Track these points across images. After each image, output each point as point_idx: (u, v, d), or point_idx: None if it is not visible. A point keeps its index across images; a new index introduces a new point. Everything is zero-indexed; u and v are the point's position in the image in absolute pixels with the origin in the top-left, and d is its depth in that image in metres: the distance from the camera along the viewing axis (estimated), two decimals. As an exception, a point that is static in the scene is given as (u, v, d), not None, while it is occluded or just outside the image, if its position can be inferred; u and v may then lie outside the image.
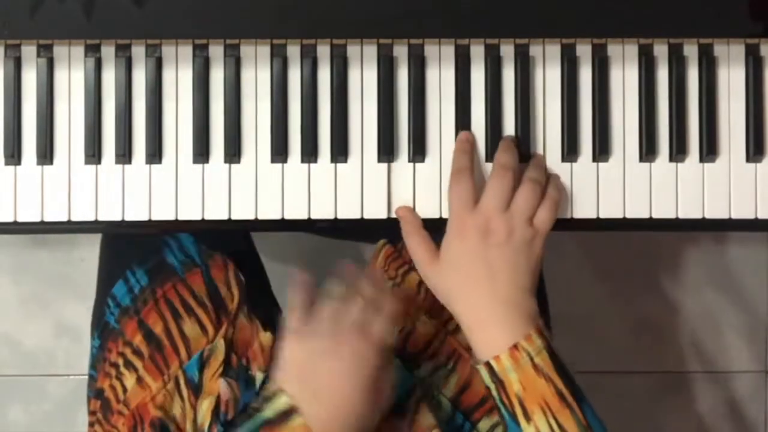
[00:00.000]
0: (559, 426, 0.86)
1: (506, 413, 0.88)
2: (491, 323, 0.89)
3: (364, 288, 0.91)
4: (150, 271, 1.06)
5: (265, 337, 1.04)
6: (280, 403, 0.85)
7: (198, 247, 1.08)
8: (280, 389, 0.86)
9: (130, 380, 1.03)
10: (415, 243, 0.95)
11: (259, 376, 0.97)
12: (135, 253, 1.07)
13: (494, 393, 0.89)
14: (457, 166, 0.95)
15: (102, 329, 1.07)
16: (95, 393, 1.06)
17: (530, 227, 0.92)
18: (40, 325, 1.71)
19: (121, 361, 1.04)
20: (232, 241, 1.11)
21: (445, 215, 0.98)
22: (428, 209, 0.98)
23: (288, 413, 0.85)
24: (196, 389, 1.01)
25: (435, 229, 0.96)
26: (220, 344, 1.02)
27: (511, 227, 0.91)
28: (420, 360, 1.04)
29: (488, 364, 0.89)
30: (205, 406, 0.99)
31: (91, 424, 1.07)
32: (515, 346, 0.88)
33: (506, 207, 0.92)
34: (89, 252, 1.68)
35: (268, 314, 1.09)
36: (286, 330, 0.90)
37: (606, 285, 1.73)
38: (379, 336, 0.88)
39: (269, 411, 0.85)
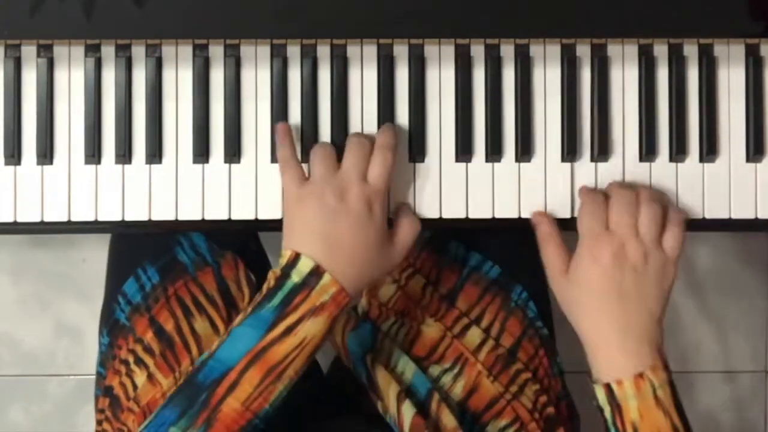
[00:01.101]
0: None
1: None
2: (618, 348, 0.89)
3: (354, 142, 0.91)
4: (161, 269, 1.06)
5: None
6: (303, 266, 0.86)
7: (209, 245, 1.08)
8: (297, 252, 0.87)
9: (140, 377, 1.03)
10: (550, 251, 0.94)
11: None
12: (146, 250, 1.07)
13: (607, 415, 0.89)
14: (590, 190, 0.94)
15: (111, 326, 1.07)
16: (104, 390, 1.06)
17: (662, 252, 0.91)
18: (40, 325, 1.71)
19: (131, 359, 1.04)
20: (242, 240, 1.11)
21: (445, 215, 0.98)
22: (428, 209, 0.98)
23: (314, 273, 0.86)
24: None
25: (429, 229, 0.96)
26: None
27: (645, 252, 0.90)
28: (426, 363, 1.04)
29: (608, 387, 0.89)
30: None
31: (99, 422, 1.07)
32: (641, 375, 0.88)
33: (636, 230, 0.91)
34: (89, 252, 1.68)
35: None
36: (286, 194, 0.91)
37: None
38: (379, 183, 0.89)
39: (296, 275, 0.86)
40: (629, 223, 0.90)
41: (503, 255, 1.08)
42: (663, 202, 0.93)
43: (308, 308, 0.86)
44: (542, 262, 0.95)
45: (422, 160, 0.98)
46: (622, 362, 0.89)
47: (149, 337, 1.04)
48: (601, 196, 0.93)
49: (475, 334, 1.04)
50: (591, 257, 0.90)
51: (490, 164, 0.98)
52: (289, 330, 0.85)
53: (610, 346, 0.90)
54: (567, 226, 0.97)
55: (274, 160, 0.97)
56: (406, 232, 0.92)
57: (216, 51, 0.98)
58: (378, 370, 0.99)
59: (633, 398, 0.88)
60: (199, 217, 0.97)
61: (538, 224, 0.96)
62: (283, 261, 0.88)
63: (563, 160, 0.99)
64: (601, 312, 0.90)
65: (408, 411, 0.95)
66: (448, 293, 1.06)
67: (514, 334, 1.05)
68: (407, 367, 1.01)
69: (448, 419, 0.97)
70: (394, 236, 0.91)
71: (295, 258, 0.87)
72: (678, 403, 0.89)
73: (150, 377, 1.03)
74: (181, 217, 0.97)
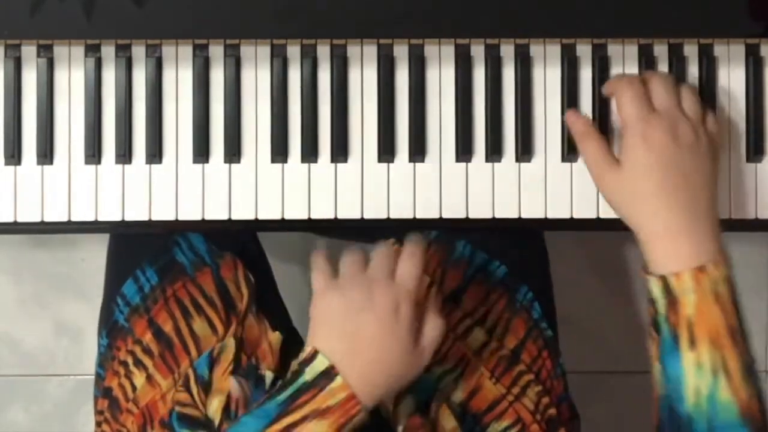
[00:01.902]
0: (724, 363, 0.82)
1: (668, 332, 0.84)
2: (683, 237, 0.84)
3: (382, 248, 0.87)
4: (160, 270, 1.06)
5: (274, 337, 1.04)
6: (318, 364, 0.82)
7: (208, 246, 1.08)
8: (316, 350, 0.82)
9: (139, 379, 1.03)
10: (592, 146, 0.90)
11: (268, 376, 0.97)
12: (145, 251, 1.07)
13: (661, 308, 0.84)
14: (623, 77, 0.91)
15: (110, 328, 1.07)
16: (103, 392, 1.06)
17: (708, 132, 0.89)
18: (40, 325, 1.71)
19: (130, 360, 1.04)
20: (241, 241, 1.11)
21: (444, 215, 0.98)
22: (428, 209, 0.98)
23: (327, 374, 0.82)
24: (206, 387, 1.01)
25: (429, 228, 0.96)
26: (230, 342, 1.02)
27: (695, 129, 0.87)
28: (428, 364, 1.03)
29: (664, 279, 0.84)
30: (216, 405, 0.99)
31: (98, 424, 1.07)
32: (702, 268, 0.83)
33: (682, 110, 0.88)
34: (89, 252, 1.68)
35: (276, 315, 1.09)
36: (315, 290, 0.87)
37: (606, 285, 1.72)
38: (408, 283, 0.84)
39: (309, 374, 0.82)
40: (675, 103, 0.88)
41: (509, 255, 1.08)
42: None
43: (313, 409, 0.81)
44: (584, 159, 0.91)
45: (422, 160, 0.98)
46: (685, 252, 0.84)
47: (148, 338, 1.04)
48: (637, 80, 0.90)
49: (478, 335, 1.04)
50: (644, 141, 0.86)
51: (490, 164, 0.98)
52: (290, 427, 0.81)
53: (675, 234, 0.84)
54: (567, 226, 0.97)
55: (274, 160, 0.97)
56: (432, 333, 0.85)
57: (216, 51, 0.98)
58: None
59: (691, 292, 0.82)
60: (199, 218, 0.97)
61: (573, 123, 0.92)
62: (302, 356, 0.84)
63: (563, 160, 0.99)
64: (665, 198, 0.85)
65: (405, 410, 0.94)
66: (453, 293, 1.06)
67: (518, 334, 1.05)
68: None
69: (448, 420, 0.97)
70: (420, 338, 0.85)
71: (313, 355, 0.83)
72: (737, 303, 0.84)
73: (149, 378, 1.03)
74: (181, 217, 0.97)
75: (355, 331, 0.82)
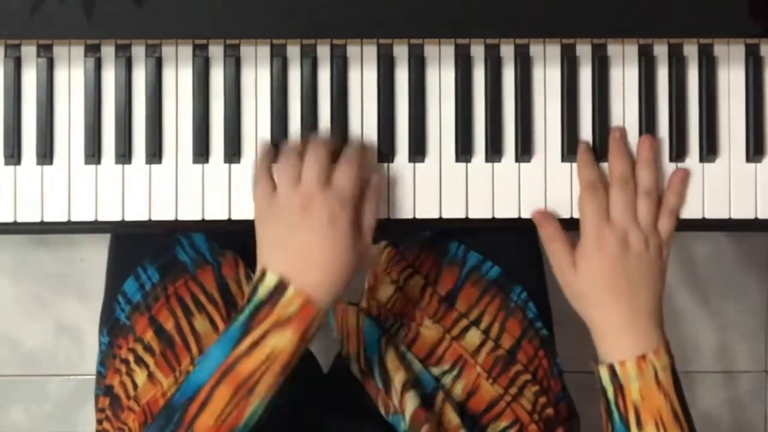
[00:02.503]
0: None
1: (618, 416, 0.91)
2: (625, 331, 0.93)
3: (313, 151, 0.92)
4: (161, 268, 1.06)
5: None
6: (269, 281, 0.87)
7: (209, 245, 1.08)
8: (264, 269, 0.88)
9: (140, 376, 1.03)
10: (557, 249, 0.96)
11: None
12: (146, 250, 1.07)
13: (610, 395, 0.92)
14: (588, 179, 0.96)
15: (111, 326, 1.07)
16: (104, 390, 1.06)
17: (659, 235, 0.95)
18: (40, 325, 1.71)
19: (131, 358, 1.04)
20: (243, 239, 1.11)
21: (445, 215, 0.98)
22: (428, 209, 0.98)
23: (279, 287, 0.87)
24: None
25: (429, 228, 0.96)
26: None
27: (646, 239, 0.94)
28: (425, 365, 1.04)
29: (611, 367, 0.92)
30: None
31: (99, 422, 1.07)
32: (643, 357, 0.91)
33: (637, 217, 0.95)
34: (89, 252, 1.68)
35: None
36: (255, 210, 0.93)
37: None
38: (340, 188, 0.90)
39: (262, 291, 0.87)
40: (630, 216, 0.94)
41: (503, 255, 1.08)
42: (658, 188, 0.96)
43: (273, 322, 0.86)
44: (548, 258, 0.97)
45: (422, 160, 0.98)
46: (628, 344, 0.92)
47: (149, 336, 1.04)
48: (600, 189, 0.95)
49: (474, 336, 1.04)
50: (598, 249, 0.94)
51: (490, 164, 0.98)
52: (255, 344, 0.86)
53: (619, 329, 0.93)
54: (566, 226, 0.97)
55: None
56: (368, 221, 0.92)
57: (216, 51, 0.98)
58: (389, 354, 1.00)
59: (635, 379, 0.90)
60: (199, 217, 0.97)
61: (541, 225, 0.97)
62: (254, 279, 0.89)
63: (563, 160, 0.99)
64: (610, 299, 0.93)
65: (411, 401, 0.95)
66: (448, 294, 1.06)
67: (514, 334, 1.05)
68: (414, 362, 1.02)
69: (452, 416, 0.97)
70: (359, 233, 0.91)
71: (263, 274, 0.88)
72: (678, 388, 0.92)
73: (150, 376, 1.03)
74: (181, 217, 0.97)
75: (298, 246, 0.88)
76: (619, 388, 0.91)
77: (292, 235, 0.89)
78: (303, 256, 0.88)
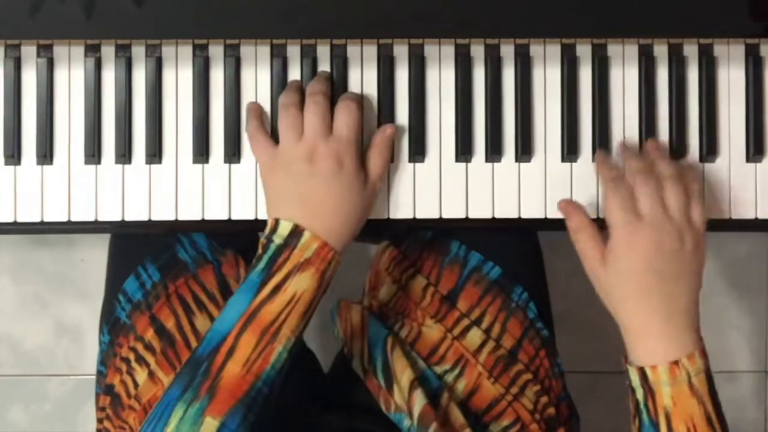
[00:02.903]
0: None
1: (648, 421, 0.89)
2: (657, 335, 0.89)
3: (312, 99, 0.93)
4: (162, 267, 1.06)
5: None
6: (283, 229, 0.90)
7: (210, 243, 1.08)
8: (276, 219, 0.91)
9: (141, 375, 1.03)
10: (584, 241, 0.93)
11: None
12: (146, 248, 1.07)
13: (640, 396, 0.89)
14: (609, 174, 0.93)
15: (112, 325, 1.07)
16: (105, 389, 1.06)
17: (693, 228, 0.91)
18: (40, 325, 1.71)
19: (132, 356, 1.04)
20: (243, 239, 1.11)
21: (445, 215, 0.98)
22: (428, 209, 0.98)
23: (294, 233, 0.89)
24: None
25: (430, 228, 0.96)
26: None
27: (680, 233, 0.90)
28: (426, 364, 1.04)
29: (642, 370, 0.89)
30: None
31: (99, 420, 1.07)
32: (676, 363, 0.88)
33: (667, 209, 0.91)
34: (89, 252, 1.68)
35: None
36: (260, 166, 0.95)
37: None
38: (345, 134, 0.92)
39: (277, 239, 0.90)
40: (660, 208, 0.90)
41: (504, 255, 1.08)
42: (680, 173, 0.93)
43: (293, 265, 0.88)
44: (577, 252, 0.94)
45: (422, 160, 0.98)
46: (661, 348, 0.88)
47: (150, 335, 1.04)
48: (624, 182, 0.92)
49: (475, 336, 1.04)
50: (629, 247, 0.90)
51: (490, 164, 0.98)
52: (277, 288, 0.88)
53: (650, 332, 0.89)
54: (566, 226, 0.97)
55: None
56: (374, 170, 0.94)
57: (216, 51, 0.98)
58: (396, 354, 1.00)
59: (666, 384, 0.87)
60: (199, 217, 0.97)
61: (569, 216, 0.94)
62: (267, 230, 0.91)
63: (563, 160, 0.99)
64: (642, 300, 0.89)
65: (419, 399, 0.95)
66: (449, 294, 1.06)
67: (515, 335, 1.05)
68: (418, 361, 1.02)
69: (457, 414, 0.97)
70: (367, 174, 0.94)
71: (276, 224, 0.90)
72: (713, 392, 0.88)
73: (151, 375, 1.03)
74: (181, 217, 0.97)
75: (307, 194, 0.91)
76: (649, 392, 0.88)
77: (299, 184, 0.91)
78: (313, 204, 0.90)
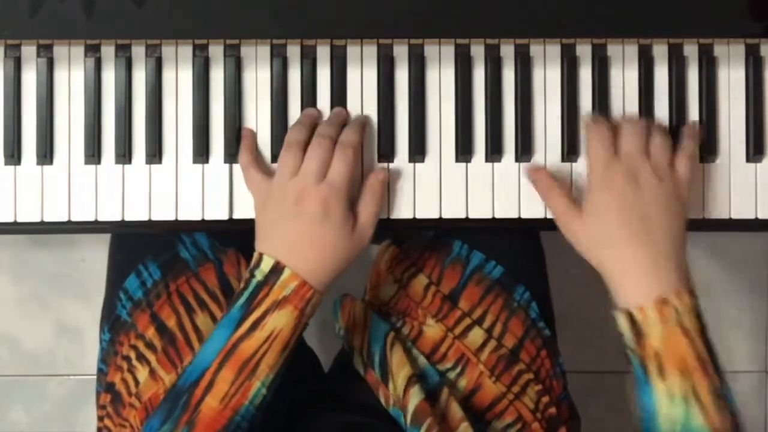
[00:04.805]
0: (695, 393, 0.84)
1: (638, 365, 0.86)
2: (642, 273, 0.87)
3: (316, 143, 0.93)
4: (163, 265, 1.06)
5: None
6: (265, 265, 0.90)
7: (211, 242, 1.08)
8: (261, 254, 0.91)
9: (142, 373, 1.03)
10: (556, 198, 0.93)
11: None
12: (147, 247, 1.08)
13: (629, 342, 0.87)
14: (593, 117, 0.94)
15: (113, 323, 1.07)
16: (105, 387, 1.06)
17: (675, 174, 0.91)
18: (40, 325, 1.71)
19: (133, 355, 1.04)
20: (244, 237, 1.11)
21: (444, 215, 0.98)
22: (428, 209, 0.98)
23: (275, 269, 0.90)
24: None
25: (430, 228, 0.96)
26: None
27: (657, 171, 0.90)
28: (428, 362, 1.04)
29: (629, 313, 0.87)
30: None
31: (100, 419, 1.07)
32: (664, 301, 0.86)
33: (648, 155, 0.91)
34: (89, 252, 1.68)
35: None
36: (254, 200, 0.96)
37: (606, 285, 1.72)
38: (336, 180, 0.92)
39: (259, 275, 0.90)
40: (640, 147, 0.90)
41: (506, 255, 1.08)
42: (670, 139, 0.93)
43: (271, 302, 0.89)
44: (551, 211, 0.95)
45: (422, 160, 0.98)
46: (647, 287, 0.87)
47: (151, 333, 1.04)
48: (608, 123, 0.93)
49: (477, 335, 1.04)
50: (605, 185, 0.90)
51: (490, 164, 0.98)
52: (255, 325, 0.88)
53: (634, 272, 0.88)
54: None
55: (274, 159, 0.97)
56: (366, 215, 0.94)
57: (216, 51, 0.98)
58: (396, 350, 1.00)
59: (656, 324, 0.85)
60: (199, 217, 0.97)
61: (537, 179, 0.96)
62: (251, 264, 0.91)
63: (563, 160, 0.99)
64: (623, 239, 0.88)
65: (415, 395, 0.95)
66: (451, 293, 1.06)
67: (517, 334, 1.05)
68: (419, 358, 1.02)
69: (456, 409, 0.97)
70: (355, 223, 0.93)
71: (259, 259, 0.91)
72: (704, 332, 0.86)
73: (152, 373, 1.03)
74: (181, 217, 0.97)
75: (291, 234, 0.91)
76: (638, 335, 0.86)
77: (286, 223, 0.91)
78: (297, 245, 0.91)
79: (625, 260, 0.88)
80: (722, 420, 0.84)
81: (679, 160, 0.93)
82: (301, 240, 0.91)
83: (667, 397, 0.85)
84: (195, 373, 0.88)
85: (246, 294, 0.90)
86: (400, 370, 0.98)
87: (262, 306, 0.89)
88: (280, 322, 0.88)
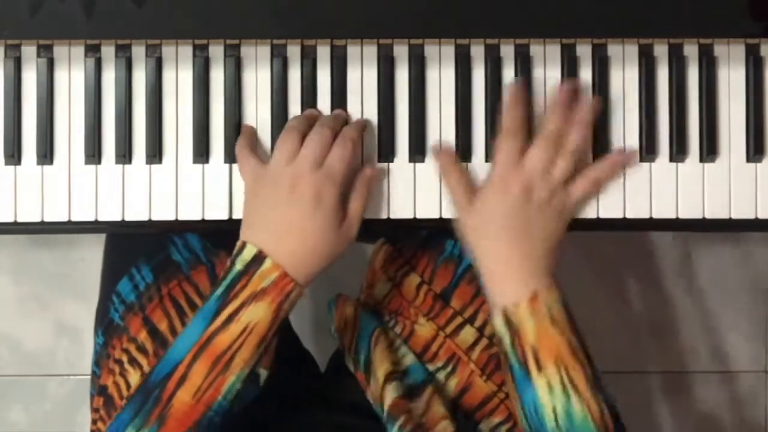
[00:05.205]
0: (571, 380, 0.88)
1: (516, 362, 0.90)
2: (516, 275, 0.91)
3: (316, 132, 0.93)
4: (155, 269, 1.06)
5: None
6: (247, 254, 0.89)
7: (203, 245, 1.08)
8: (244, 242, 0.90)
9: (134, 377, 1.03)
10: (454, 180, 0.95)
11: (263, 374, 0.98)
12: (140, 250, 1.07)
13: (506, 341, 0.90)
14: (512, 124, 0.95)
15: (106, 326, 1.07)
16: (98, 390, 1.06)
17: (566, 197, 0.94)
18: (40, 325, 1.71)
19: (125, 358, 1.04)
20: (237, 239, 1.11)
21: (444, 216, 0.98)
22: (428, 209, 0.98)
23: (256, 259, 0.88)
24: None
25: (433, 229, 0.96)
26: None
27: (552, 192, 0.93)
28: (418, 360, 1.04)
29: (505, 311, 0.90)
30: None
31: (93, 422, 1.07)
32: (535, 295, 0.89)
33: (549, 172, 0.93)
34: (89, 252, 1.68)
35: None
36: (245, 186, 0.94)
37: (606, 285, 1.72)
38: (330, 169, 0.91)
39: (239, 264, 0.89)
40: (544, 167, 0.93)
41: None
42: (584, 153, 0.96)
43: (249, 294, 0.88)
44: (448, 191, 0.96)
45: (422, 160, 0.98)
46: (519, 286, 0.90)
47: (143, 336, 1.04)
48: (520, 136, 0.94)
49: (468, 333, 1.05)
50: (501, 188, 0.92)
51: (489, 164, 0.98)
52: (230, 318, 0.87)
53: (508, 268, 0.91)
54: (567, 226, 0.97)
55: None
56: (353, 210, 0.93)
57: (216, 51, 0.98)
58: (378, 347, 1.00)
59: (529, 319, 0.89)
60: (199, 217, 0.97)
61: (439, 156, 0.97)
62: (234, 252, 0.90)
63: (563, 160, 0.99)
64: (506, 243, 0.92)
65: (391, 391, 0.96)
66: (442, 292, 1.07)
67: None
68: (407, 356, 1.02)
69: (437, 408, 0.97)
70: (344, 216, 0.93)
71: (242, 247, 0.90)
72: (573, 324, 0.91)
73: (143, 376, 1.03)
74: (181, 217, 0.97)
75: (280, 221, 0.90)
76: (514, 332, 0.89)
77: (275, 209, 0.90)
78: (284, 232, 0.89)
79: (502, 258, 0.92)
80: (598, 405, 0.88)
81: (577, 185, 0.95)
82: (288, 229, 0.89)
83: (548, 389, 0.88)
84: (167, 366, 0.87)
85: (224, 284, 0.89)
86: (380, 367, 0.99)
87: (239, 298, 0.87)
88: (257, 315, 0.87)
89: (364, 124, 0.97)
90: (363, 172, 0.95)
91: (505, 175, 0.93)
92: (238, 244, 0.90)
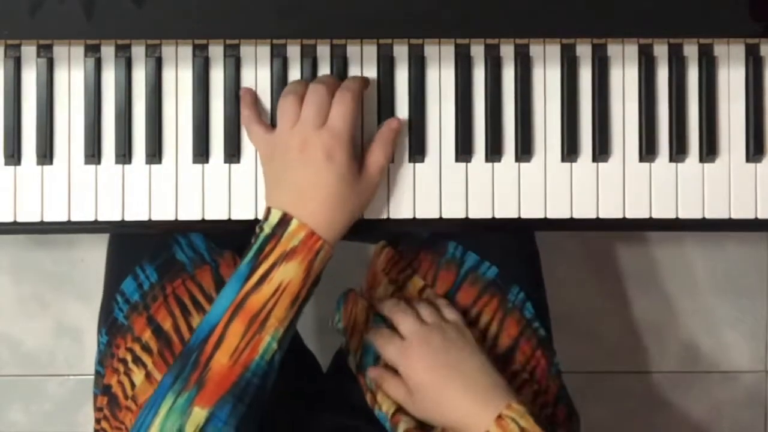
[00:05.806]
0: None
1: None
2: (471, 408, 0.93)
3: (313, 90, 0.93)
4: (159, 268, 1.06)
5: None
6: (273, 218, 0.90)
7: (207, 244, 1.08)
8: (269, 207, 0.91)
9: (138, 376, 1.03)
10: (392, 385, 0.99)
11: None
12: (144, 249, 1.07)
13: None
14: (378, 334, 1.01)
15: (110, 325, 1.07)
16: (102, 389, 1.06)
17: (451, 323, 1.00)
18: (40, 325, 1.71)
19: (129, 357, 1.04)
20: (241, 239, 1.11)
21: (444, 215, 0.98)
22: (428, 209, 0.98)
23: (282, 221, 0.90)
24: None
25: (434, 229, 0.95)
26: None
27: (440, 329, 0.98)
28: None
29: None
30: None
31: (97, 421, 1.07)
32: (500, 417, 0.91)
33: (420, 320, 1.00)
34: (89, 252, 1.68)
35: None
36: (259, 154, 0.96)
37: (606, 285, 1.72)
38: (338, 125, 0.91)
39: (267, 228, 0.90)
40: (416, 323, 1.00)
41: (500, 255, 1.08)
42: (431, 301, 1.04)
43: (279, 254, 0.89)
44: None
45: (422, 160, 0.98)
46: (480, 415, 0.92)
47: (147, 335, 1.04)
48: (384, 330, 1.01)
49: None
50: (409, 364, 0.97)
51: (490, 164, 0.98)
52: (263, 278, 0.88)
53: (466, 411, 0.93)
54: (567, 226, 0.97)
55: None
56: (374, 162, 0.94)
57: (216, 51, 0.98)
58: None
59: None
60: (199, 217, 0.97)
61: (370, 371, 1.02)
62: (262, 218, 0.91)
63: (563, 160, 0.99)
64: (444, 393, 0.95)
65: (404, 424, 0.96)
66: (445, 294, 1.07)
67: (512, 334, 1.05)
68: None
69: None
70: (363, 170, 0.93)
71: (268, 212, 0.91)
72: (543, 427, 0.92)
73: (148, 376, 1.03)
74: (181, 217, 0.97)
75: (297, 183, 0.91)
76: None
77: (290, 172, 0.91)
78: (302, 193, 0.90)
79: (455, 406, 0.94)
80: None
81: (446, 313, 1.02)
82: (307, 189, 0.90)
83: None
84: (205, 330, 0.87)
85: (254, 248, 0.90)
86: None
87: (269, 259, 0.88)
88: (288, 274, 0.88)
89: (365, 79, 0.97)
90: (386, 125, 0.95)
91: (402, 355, 0.97)
92: (264, 210, 0.92)
